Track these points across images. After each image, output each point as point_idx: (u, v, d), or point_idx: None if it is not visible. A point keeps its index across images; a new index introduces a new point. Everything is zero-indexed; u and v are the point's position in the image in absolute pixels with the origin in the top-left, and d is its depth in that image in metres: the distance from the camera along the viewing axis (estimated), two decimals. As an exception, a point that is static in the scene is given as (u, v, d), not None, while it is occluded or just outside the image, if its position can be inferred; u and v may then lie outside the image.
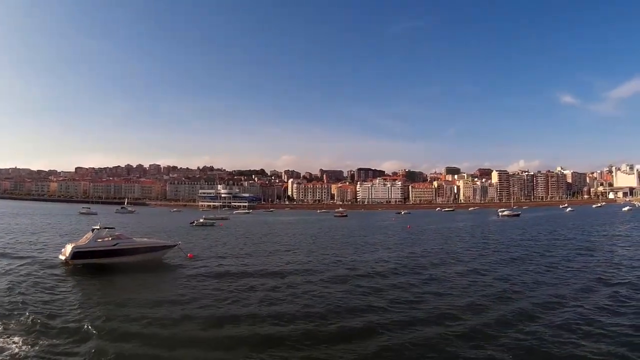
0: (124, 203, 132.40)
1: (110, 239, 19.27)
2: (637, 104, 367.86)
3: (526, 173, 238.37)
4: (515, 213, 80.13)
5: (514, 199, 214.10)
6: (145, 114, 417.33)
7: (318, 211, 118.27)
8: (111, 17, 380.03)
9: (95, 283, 15.20)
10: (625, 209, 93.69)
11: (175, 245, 21.55)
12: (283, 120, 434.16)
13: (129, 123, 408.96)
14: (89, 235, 19.57)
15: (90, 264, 17.65)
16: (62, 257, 18.53)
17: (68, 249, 18.53)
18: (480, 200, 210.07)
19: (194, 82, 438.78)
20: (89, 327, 9.54)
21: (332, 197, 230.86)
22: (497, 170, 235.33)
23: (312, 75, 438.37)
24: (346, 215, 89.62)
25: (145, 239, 22.64)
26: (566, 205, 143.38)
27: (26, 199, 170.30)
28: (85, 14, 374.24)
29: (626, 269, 17.12)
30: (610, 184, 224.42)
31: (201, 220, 52.73)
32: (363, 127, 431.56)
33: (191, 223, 51.49)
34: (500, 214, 77.60)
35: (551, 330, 9.36)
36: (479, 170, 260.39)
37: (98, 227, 20.10)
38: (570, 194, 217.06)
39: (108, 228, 20.51)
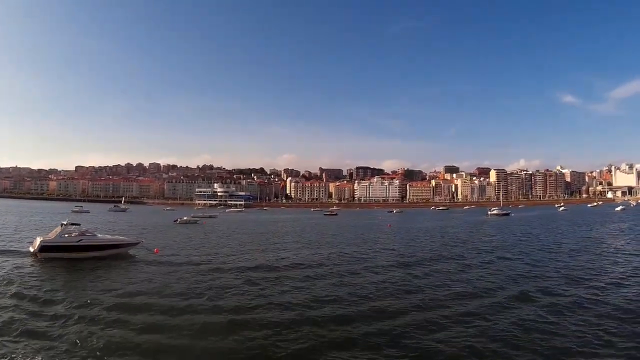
0: (121, 201, 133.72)
1: (76, 234, 20.36)
2: (639, 104, 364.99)
3: (524, 172, 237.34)
4: (505, 212, 79.80)
5: (512, 197, 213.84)
6: (146, 113, 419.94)
7: (312, 210, 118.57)
8: (111, 16, 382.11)
9: (57, 272, 16.69)
10: (618, 208, 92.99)
11: (138, 243, 22.79)
12: (284, 120, 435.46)
13: (130, 122, 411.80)
14: (58, 229, 20.81)
15: (56, 258, 18.99)
16: (31, 249, 19.92)
17: (37, 241, 19.78)
18: (478, 199, 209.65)
19: (194, 82, 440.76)
20: (37, 306, 11.31)
21: (330, 195, 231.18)
22: (495, 169, 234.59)
23: (313, 74, 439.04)
24: (336, 214, 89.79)
25: (108, 236, 23.66)
26: (562, 204, 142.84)
27: (25, 198, 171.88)
28: (86, 13, 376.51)
29: (558, 280, 14.98)
30: (610, 184, 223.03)
31: (185, 218, 53.67)
32: (364, 127, 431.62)
33: (175, 221, 52.32)
34: (489, 213, 77.51)
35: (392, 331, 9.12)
36: (478, 169, 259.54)
37: (65, 223, 21.23)
38: (568, 193, 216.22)
39: (75, 224, 21.83)
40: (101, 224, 47.92)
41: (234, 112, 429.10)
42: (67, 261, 18.61)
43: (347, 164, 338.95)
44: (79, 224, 22.53)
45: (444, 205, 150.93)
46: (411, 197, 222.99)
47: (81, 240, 19.93)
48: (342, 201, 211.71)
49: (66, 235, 20.02)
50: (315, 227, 50.01)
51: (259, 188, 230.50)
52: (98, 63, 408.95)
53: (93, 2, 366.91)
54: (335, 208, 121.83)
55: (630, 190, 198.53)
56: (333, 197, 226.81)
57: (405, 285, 14.43)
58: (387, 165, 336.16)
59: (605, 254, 22.29)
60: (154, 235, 35.39)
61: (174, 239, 32.10)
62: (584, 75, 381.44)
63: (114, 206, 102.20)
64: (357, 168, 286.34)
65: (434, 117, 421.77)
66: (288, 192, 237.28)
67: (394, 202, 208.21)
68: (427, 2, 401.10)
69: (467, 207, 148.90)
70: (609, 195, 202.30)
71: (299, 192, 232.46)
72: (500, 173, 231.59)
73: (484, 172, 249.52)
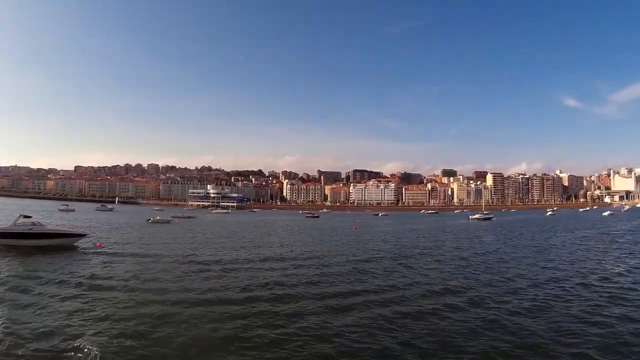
0: (113, 201, 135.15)
1: (28, 224, 22.79)
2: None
3: (522, 176, 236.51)
4: (486, 217, 78.91)
5: (508, 201, 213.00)
6: (147, 113, 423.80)
7: (300, 212, 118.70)
8: (113, 14, 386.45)
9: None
10: (606, 213, 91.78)
11: (85, 235, 24.96)
12: (286, 122, 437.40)
13: (132, 123, 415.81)
14: (15, 220, 23.47)
15: (10, 244, 21.24)
16: None
17: None
18: (474, 203, 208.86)
19: (195, 82, 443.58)
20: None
21: (326, 198, 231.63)
22: (491, 173, 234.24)
23: (314, 75, 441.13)
24: (318, 217, 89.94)
25: (57, 227, 26.18)
26: (555, 208, 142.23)
27: (23, 197, 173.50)
28: (87, 11, 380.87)
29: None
30: (608, 188, 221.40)
31: (157, 218, 54.81)
32: (366, 129, 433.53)
33: (148, 220, 53.15)
34: (470, 217, 77.05)
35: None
36: (475, 172, 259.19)
37: (20, 215, 23.83)
38: (565, 198, 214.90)
39: (27, 216, 24.12)
40: (73, 221, 48.66)
41: (236, 114, 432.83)
42: (16, 251, 20.67)
43: (348, 166, 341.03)
44: (31, 216, 24.78)
45: (433, 209, 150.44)
46: (407, 200, 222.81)
47: (32, 228, 22.24)
48: (338, 204, 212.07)
49: (20, 224, 22.38)
50: (283, 228, 50.40)
51: (255, 190, 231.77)
52: (100, 61, 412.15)
53: (94, 0, 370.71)
54: (324, 210, 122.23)
55: (628, 194, 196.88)
56: (329, 199, 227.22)
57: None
58: (389, 168, 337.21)
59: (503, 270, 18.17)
60: (116, 232, 36.30)
61: (128, 235, 33.10)
62: (586, 78, 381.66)
63: (101, 206, 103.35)
64: (355, 171, 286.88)
65: (438, 119, 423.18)
66: (284, 194, 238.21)
67: (389, 205, 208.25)
68: (427, 2, 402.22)
69: (458, 210, 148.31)
70: (607, 199, 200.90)
71: (294, 194, 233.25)
72: (497, 177, 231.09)
73: (481, 175, 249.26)
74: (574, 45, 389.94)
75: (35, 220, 24.36)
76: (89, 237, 25.03)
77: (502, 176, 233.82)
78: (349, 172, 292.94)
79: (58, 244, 22.29)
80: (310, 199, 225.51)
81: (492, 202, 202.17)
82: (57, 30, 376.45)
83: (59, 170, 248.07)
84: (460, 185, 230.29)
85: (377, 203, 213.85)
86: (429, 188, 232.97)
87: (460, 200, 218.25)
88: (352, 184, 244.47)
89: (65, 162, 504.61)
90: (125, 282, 14.10)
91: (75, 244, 23.32)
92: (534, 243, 31.23)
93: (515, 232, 43.58)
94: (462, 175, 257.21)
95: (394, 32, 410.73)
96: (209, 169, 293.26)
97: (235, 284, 14.10)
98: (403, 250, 25.36)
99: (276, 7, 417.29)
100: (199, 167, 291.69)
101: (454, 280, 15.19)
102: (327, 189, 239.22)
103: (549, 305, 11.53)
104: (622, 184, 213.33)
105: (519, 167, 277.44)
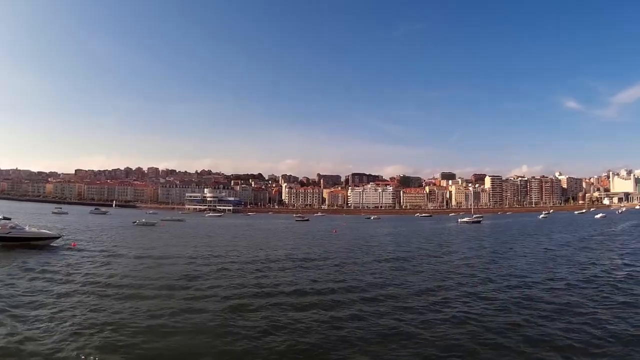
0: (110, 205, 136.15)
1: (7, 227, 23.95)
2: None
3: (520, 178, 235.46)
4: (476, 220, 78.50)
5: (506, 204, 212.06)
6: (148, 116, 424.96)
7: (294, 215, 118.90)
8: (115, 16, 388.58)
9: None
10: (598, 216, 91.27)
11: (59, 237, 26.63)
12: (287, 125, 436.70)
13: (133, 125, 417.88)
14: None
15: None
16: None
17: None
18: (472, 206, 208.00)
19: (196, 85, 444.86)
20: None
21: (324, 201, 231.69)
22: (489, 176, 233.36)
23: (315, 78, 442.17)
24: (307, 220, 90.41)
25: (34, 230, 27.16)
26: (551, 210, 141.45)
27: (22, 200, 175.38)
28: (89, 13, 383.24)
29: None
30: (607, 190, 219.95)
31: (143, 220, 55.68)
32: (367, 132, 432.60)
33: (133, 222, 54.08)
34: (459, 220, 76.90)
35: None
36: (474, 175, 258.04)
37: (0, 218, 25.32)
38: (564, 200, 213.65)
39: (6, 219, 25.91)
40: (62, 223, 49.48)
41: (237, 117, 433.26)
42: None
43: (349, 169, 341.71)
44: (10, 219, 26.67)
45: (427, 212, 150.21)
46: (405, 203, 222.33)
47: (10, 232, 23.52)
48: (336, 207, 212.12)
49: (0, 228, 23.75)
50: (264, 231, 50.84)
51: (253, 193, 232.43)
52: (100, 64, 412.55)
53: (95, 0, 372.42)
54: (319, 214, 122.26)
55: (627, 196, 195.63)
56: (327, 203, 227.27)
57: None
58: (389, 172, 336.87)
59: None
60: (96, 233, 37.39)
61: (105, 237, 34.23)
62: (587, 80, 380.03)
63: (95, 209, 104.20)
64: (353, 174, 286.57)
65: (439, 122, 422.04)
66: (283, 197, 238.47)
67: (387, 208, 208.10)
68: (429, 5, 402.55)
69: (454, 214, 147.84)
70: (605, 201, 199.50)
71: (293, 197, 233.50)
72: (495, 180, 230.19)
73: (479, 178, 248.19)
74: (575, 47, 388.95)
75: (15, 223, 25.64)
76: (63, 239, 26.66)
77: (500, 179, 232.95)
78: (347, 176, 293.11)
79: (34, 245, 23.61)
80: (309, 203, 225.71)
81: (490, 205, 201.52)
82: (57, 30, 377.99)
83: (60, 174, 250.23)
84: (458, 188, 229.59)
85: (375, 206, 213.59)
86: (427, 191, 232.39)
87: (458, 203, 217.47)
88: (350, 188, 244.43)
89: (66, 165, 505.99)
90: (73, 270, 16.85)
91: (52, 244, 24.85)
92: (500, 249, 29.37)
93: (493, 236, 43.32)
94: (461, 178, 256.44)
95: (394, 36, 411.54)
96: (209, 172, 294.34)
97: (164, 276, 15.89)
98: (344, 253, 25.87)
99: (277, 10, 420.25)
100: (198, 171, 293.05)
101: (341, 283, 15.39)
102: (326, 193, 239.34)
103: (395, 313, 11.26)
104: (621, 185, 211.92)
105: (520, 170, 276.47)
